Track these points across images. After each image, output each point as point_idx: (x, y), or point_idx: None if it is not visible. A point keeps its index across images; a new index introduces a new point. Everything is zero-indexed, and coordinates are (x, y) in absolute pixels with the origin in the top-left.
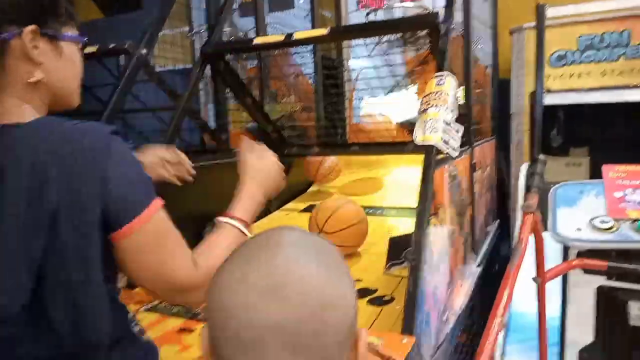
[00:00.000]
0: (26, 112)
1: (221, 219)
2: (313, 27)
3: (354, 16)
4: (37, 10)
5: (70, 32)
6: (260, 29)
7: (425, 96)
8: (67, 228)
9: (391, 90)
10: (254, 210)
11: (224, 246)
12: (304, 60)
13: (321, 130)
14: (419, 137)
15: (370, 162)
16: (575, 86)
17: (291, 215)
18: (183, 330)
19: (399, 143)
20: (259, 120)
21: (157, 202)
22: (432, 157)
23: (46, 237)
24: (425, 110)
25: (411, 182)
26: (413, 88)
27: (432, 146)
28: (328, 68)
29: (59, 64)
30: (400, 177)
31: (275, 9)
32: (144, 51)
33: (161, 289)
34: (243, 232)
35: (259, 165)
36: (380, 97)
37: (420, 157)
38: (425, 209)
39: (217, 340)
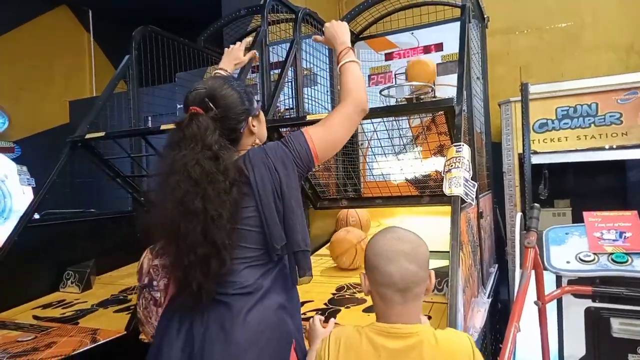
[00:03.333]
0: None
1: (342, 62)
2: (333, 100)
3: (366, 91)
4: (250, 107)
5: (256, 104)
6: (299, 104)
7: (448, 160)
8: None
9: (400, 152)
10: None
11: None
12: None
13: (340, 186)
14: (447, 190)
15: (380, 214)
16: (556, 148)
17: (324, 259)
18: None
19: (415, 196)
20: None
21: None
22: (458, 205)
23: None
24: (449, 171)
25: (423, 231)
26: (418, 150)
27: (458, 197)
28: None
29: (261, 128)
30: (412, 227)
31: (304, 86)
32: None
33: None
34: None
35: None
36: (390, 157)
37: (431, 209)
38: (457, 242)
39: (371, 272)
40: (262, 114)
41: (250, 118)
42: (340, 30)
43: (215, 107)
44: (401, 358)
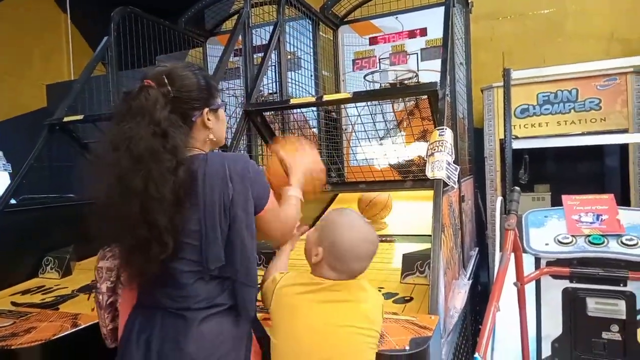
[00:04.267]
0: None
1: (287, 189)
2: (316, 85)
3: (350, 76)
4: (208, 98)
5: (219, 100)
6: (283, 88)
7: (431, 144)
8: (239, 209)
9: (383, 137)
10: (302, 184)
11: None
12: (308, 110)
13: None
14: (429, 173)
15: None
16: (537, 133)
17: None
18: None
19: (399, 181)
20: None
21: (272, 196)
22: (441, 188)
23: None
24: (432, 154)
25: (406, 216)
26: (401, 135)
27: (440, 180)
28: (329, 118)
29: (218, 125)
30: (396, 213)
31: (287, 70)
32: None
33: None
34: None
35: (297, 160)
36: (374, 142)
37: (415, 194)
38: (439, 224)
39: (333, 257)
40: (222, 114)
41: (206, 109)
42: (301, 167)
43: (170, 86)
44: (335, 299)
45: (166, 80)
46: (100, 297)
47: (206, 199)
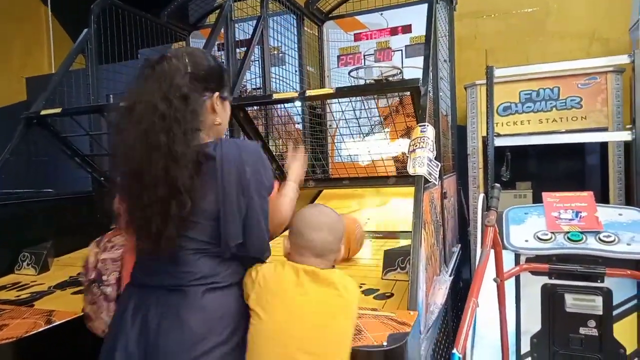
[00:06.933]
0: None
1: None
2: (301, 81)
3: (335, 72)
4: (219, 84)
5: (228, 93)
6: (267, 82)
7: (412, 140)
8: (254, 192)
9: (368, 133)
10: (299, 178)
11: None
12: (292, 107)
13: (308, 167)
14: (410, 170)
15: (347, 195)
16: (519, 131)
17: None
18: None
19: (382, 177)
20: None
21: (276, 186)
22: (422, 184)
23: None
24: (414, 150)
25: (389, 214)
26: (385, 131)
27: (421, 176)
28: (314, 114)
29: (224, 113)
30: (379, 209)
31: (271, 65)
32: None
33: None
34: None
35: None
36: (358, 138)
37: (397, 190)
38: (420, 220)
39: (295, 236)
40: (229, 106)
41: (217, 94)
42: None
43: (188, 62)
44: (319, 281)
45: (186, 59)
46: (109, 289)
47: (224, 181)
